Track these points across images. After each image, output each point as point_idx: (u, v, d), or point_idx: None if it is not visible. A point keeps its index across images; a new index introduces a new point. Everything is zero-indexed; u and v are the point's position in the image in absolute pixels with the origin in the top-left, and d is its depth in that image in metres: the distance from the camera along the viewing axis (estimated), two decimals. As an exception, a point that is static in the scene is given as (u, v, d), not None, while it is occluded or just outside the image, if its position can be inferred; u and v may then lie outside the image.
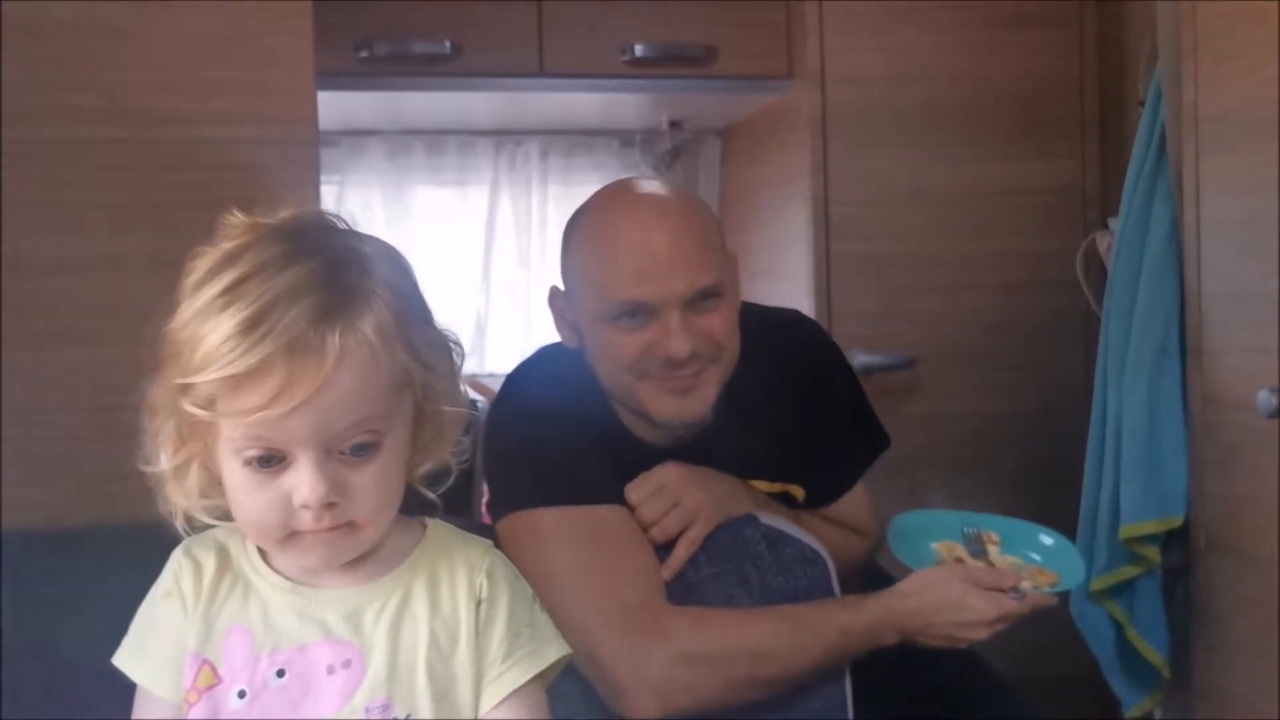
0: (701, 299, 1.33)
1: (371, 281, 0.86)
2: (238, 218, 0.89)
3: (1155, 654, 1.76)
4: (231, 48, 1.49)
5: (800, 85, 2.21)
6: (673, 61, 2.20)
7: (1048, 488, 2.06)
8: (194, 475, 0.88)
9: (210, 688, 0.90)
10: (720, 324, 1.36)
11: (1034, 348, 2.25)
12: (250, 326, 0.81)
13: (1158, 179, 1.73)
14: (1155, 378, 1.70)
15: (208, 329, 0.82)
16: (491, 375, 2.63)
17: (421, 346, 0.89)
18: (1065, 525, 1.56)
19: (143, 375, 0.88)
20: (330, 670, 0.90)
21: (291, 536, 0.87)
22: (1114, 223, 1.92)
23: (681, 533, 1.36)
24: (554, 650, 0.97)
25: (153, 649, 0.94)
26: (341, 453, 0.85)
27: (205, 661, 0.91)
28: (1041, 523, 1.53)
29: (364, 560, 0.92)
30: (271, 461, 0.84)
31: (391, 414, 0.87)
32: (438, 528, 0.99)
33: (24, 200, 1.45)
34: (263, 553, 0.94)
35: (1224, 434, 1.63)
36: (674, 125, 2.62)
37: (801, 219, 2.23)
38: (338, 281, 0.84)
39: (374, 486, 0.87)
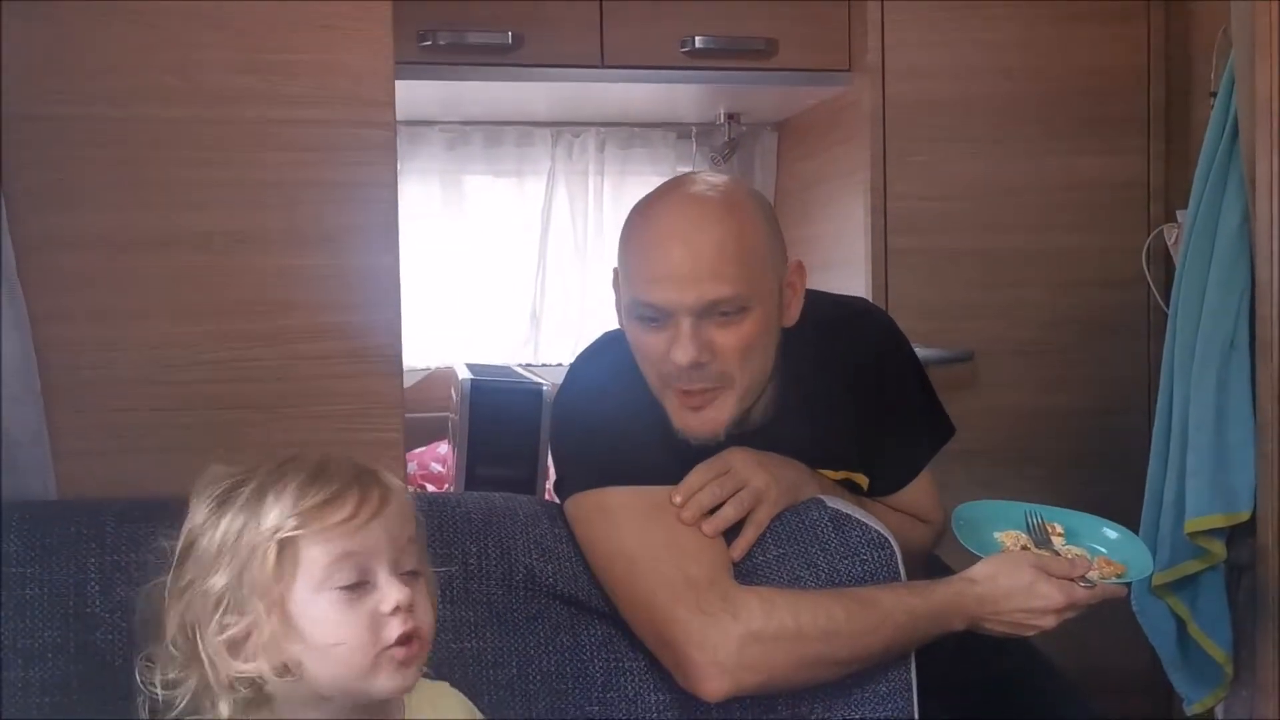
0: (718, 312, 1.30)
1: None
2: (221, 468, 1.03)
3: (1219, 650, 1.74)
4: (312, 30, 1.51)
5: (860, 79, 2.21)
6: (733, 54, 2.21)
7: (1106, 484, 2.05)
8: (268, 629, 0.95)
9: None
10: (735, 341, 1.32)
11: (1094, 343, 2.24)
12: (313, 476, 0.98)
13: (1229, 171, 1.71)
14: (1224, 370, 1.69)
15: (272, 496, 0.96)
16: (545, 365, 2.65)
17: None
18: (1125, 521, 1.55)
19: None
20: None
21: (376, 661, 0.97)
22: (1182, 215, 1.91)
23: (748, 515, 1.37)
24: None
25: None
26: (403, 573, 1.00)
27: None
28: (1102, 518, 1.53)
29: None
30: (357, 585, 0.97)
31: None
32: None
33: (111, 178, 1.48)
34: None
35: (1293, 428, 1.61)
36: (731, 118, 2.62)
37: (859, 213, 2.24)
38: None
39: (426, 606, 1.03)
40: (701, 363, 1.31)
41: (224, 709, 0.96)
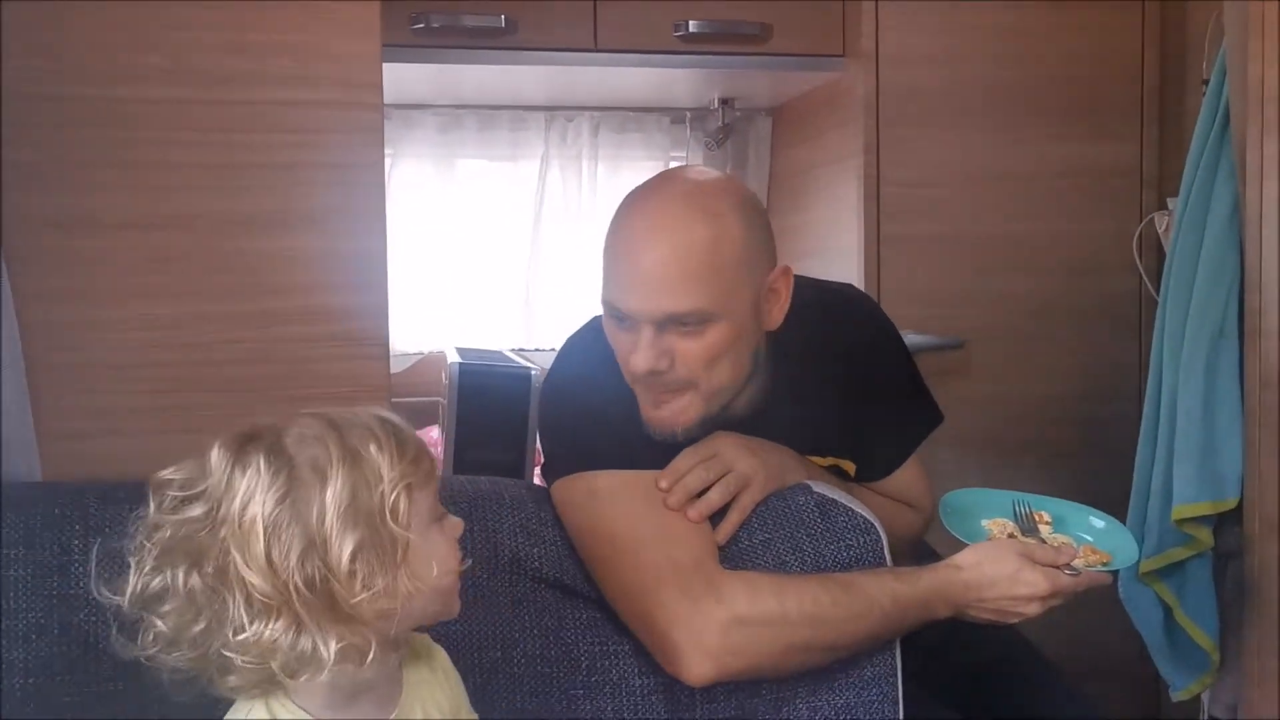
0: (679, 323, 1.30)
1: None
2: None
3: (1205, 637, 1.74)
4: (300, 11, 1.51)
5: (854, 65, 2.21)
6: (726, 39, 2.20)
7: (1096, 472, 2.05)
8: (404, 572, 0.99)
9: None
10: (698, 350, 1.31)
11: (1086, 331, 2.24)
12: (390, 429, 1.02)
13: (1220, 158, 1.71)
14: (1213, 359, 1.68)
15: (373, 449, 0.99)
16: (538, 350, 2.64)
17: None
18: (1114, 509, 1.56)
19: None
20: None
21: (455, 584, 1.06)
22: (1173, 203, 1.90)
23: (734, 499, 1.37)
24: None
25: None
26: None
27: None
28: (1090, 506, 1.53)
29: (376, 692, 1.04)
30: (439, 520, 1.06)
31: None
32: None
33: (96, 159, 1.48)
34: None
35: (1281, 417, 1.61)
36: (725, 103, 2.61)
37: (852, 198, 2.23)
38: None
39: None
40: (659, 370, 1.31)
41: (387, 656, 1.00)
